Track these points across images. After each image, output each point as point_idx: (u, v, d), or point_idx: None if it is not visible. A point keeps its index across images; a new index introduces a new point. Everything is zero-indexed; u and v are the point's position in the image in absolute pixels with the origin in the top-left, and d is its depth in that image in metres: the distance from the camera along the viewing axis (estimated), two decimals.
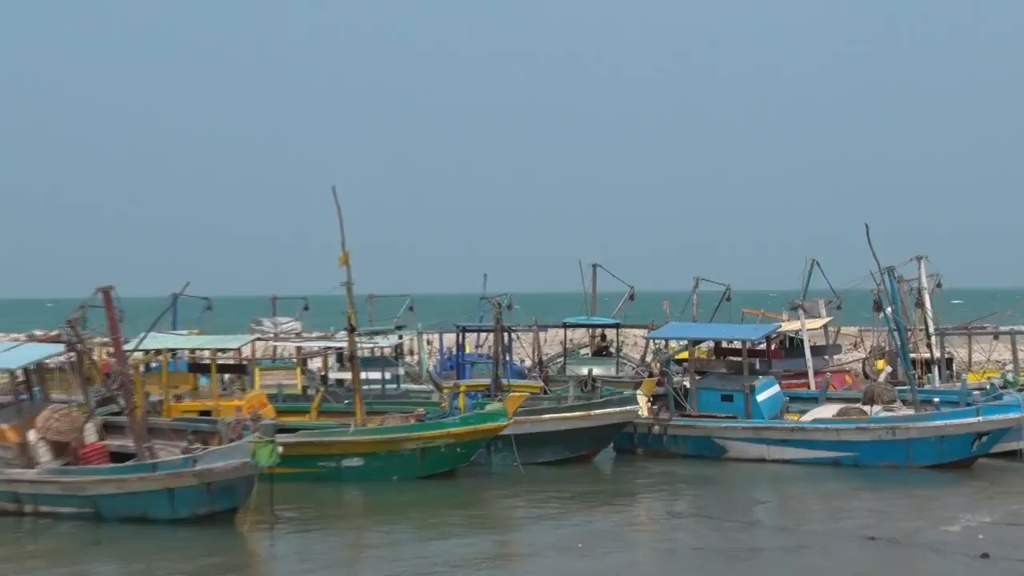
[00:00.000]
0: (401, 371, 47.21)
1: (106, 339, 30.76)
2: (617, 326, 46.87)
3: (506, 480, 33.79)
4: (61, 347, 31.69)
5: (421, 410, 36.59)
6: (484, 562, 25.01)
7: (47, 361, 32.37)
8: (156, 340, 38.02)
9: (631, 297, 45.97)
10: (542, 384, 41.73)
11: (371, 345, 43.36)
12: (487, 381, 39.97)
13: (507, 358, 42.97)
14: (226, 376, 40.67)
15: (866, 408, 36.40)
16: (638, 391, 38.20)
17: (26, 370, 31.43)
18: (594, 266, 48.59)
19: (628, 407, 36.88)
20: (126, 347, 31.10)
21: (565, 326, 49.77)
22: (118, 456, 29.18)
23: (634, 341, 45.87)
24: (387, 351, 47.32)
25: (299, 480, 31.01)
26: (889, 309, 39.09)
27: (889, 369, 40.86)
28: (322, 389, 41.12)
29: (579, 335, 48.22)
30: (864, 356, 44.72)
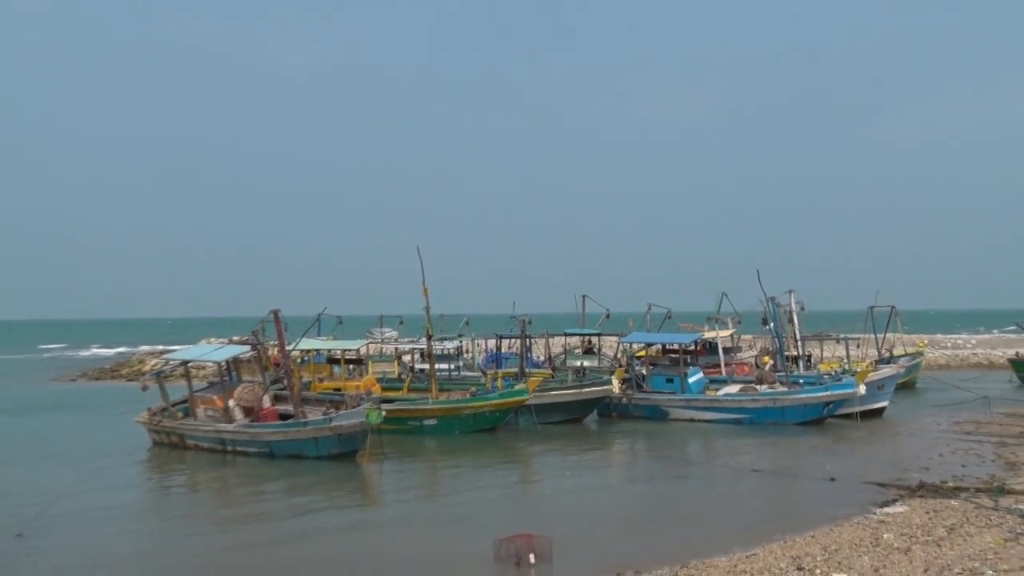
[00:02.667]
0: (460, 363, 48.28)
1: (275, 343, 32.42)
2: (599, 334, 47.91)
3: (527, 433, 34.93)
4: (248, 348, 33.96)
5: (473, 389, 37.93)
6: (513, 484, 26.88)
7: (240, 356, 33.59)
8: (307, 343, 40.13)
9: (607, 316, 46.94)
10: (550, 372, 42.69)
11: (441, 346, 44.19)
12: (515, 370, 41.05)
13: (528, 355, 43.75)
14: (350, 366, 41.81)
15: (757, 386, 38.11)
16: (612, 376, 39.02)
17: (227, 362, 33.05)
18: (583, 296, 49.86)
19: (606, 387, 38.14)
20: (288, 347, 33.07)
21: (565, 335, 50.93)
22: (283, 416, 30.47)
23: (609, 344, 47.26)
24: (451, 350, 48.87)
25: (395, 433, 32.03)
26: (771, 324, 40.54)
27: (771, 362, 42.20)
28: (410, 375, 42.16)
29: (574, 341, 49.55)
30: (755, 354, 45.97)
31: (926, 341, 72.03)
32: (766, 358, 43.99)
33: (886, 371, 40.80)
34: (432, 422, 34.24)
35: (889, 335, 51.62)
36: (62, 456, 30.95)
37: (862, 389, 36.19)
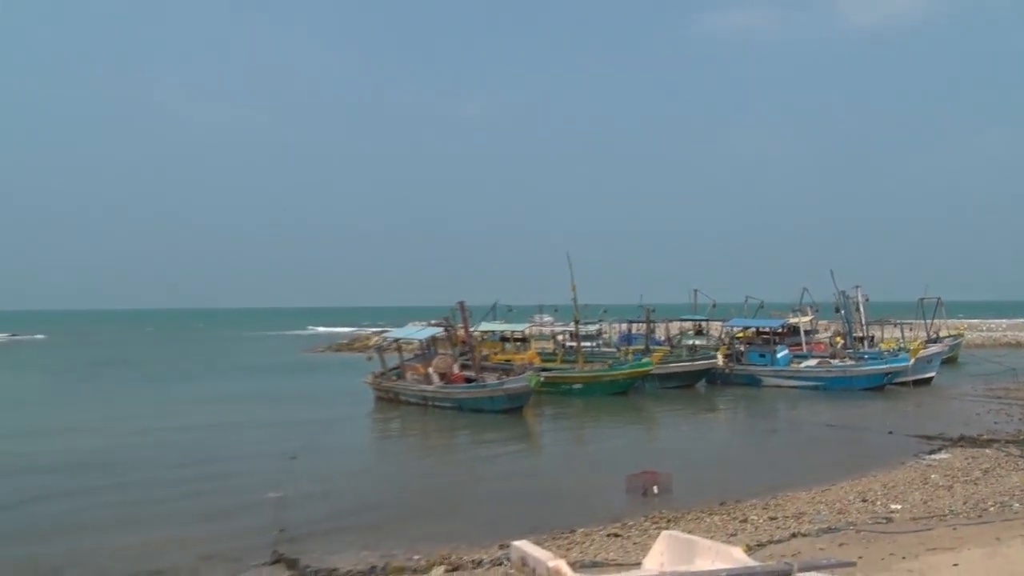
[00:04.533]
0: (600, 342, 48.25)
1: (462, 326, 33.24)
2: (707, 320, 47.59)
3: (651, 396, 34.51)
4: (442, 329, 35.11)
5: (610, 361, 37.67)
6: (640, 433, 27.34)
7: (437, 335, 34.27)
8: (485, 326, 41.26)
9: (714, 305, 46.52)
10: (669, 348, 42.20)
11: (585, 329, 43.90)
12: (642, 347, 40.92)
13: (652, 335, 43.62)
14: (517, 343, 42.65)
15: (831, 360, 37.37)
16: (718, 352, 38.97)
17: (428, 340, 34.23)
18: (695, 290, 49.54)
19: (712, 360, 37.94)
20: (471, 329, 33.71)
21: (681, 319, 50.90)
22: (468, 380, 30.69)
23: (715, 327, 46.88)
24: (593, 331, 49.16)
25: (550, 394, 32.25)
26: (842, 311, 40.57)
27: (842, 341, 41.41)
28: (562, 350, 42.40)
29: (687, 325, 49.21)
30: (829, 335, 45.07)
31: (966, 325, 69.69)
32: (838, 338, 42.97)
33: (934, 349, 39.83)
34: (579, 386, 34.04)
35: (936, 320, 50.16)
36: (317, 403, 33.15)
37: (912, 362, 35.65)
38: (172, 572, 11.04)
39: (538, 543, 6.80)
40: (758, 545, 10.83)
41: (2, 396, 37.11)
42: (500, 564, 10.35)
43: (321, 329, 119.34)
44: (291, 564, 11.32)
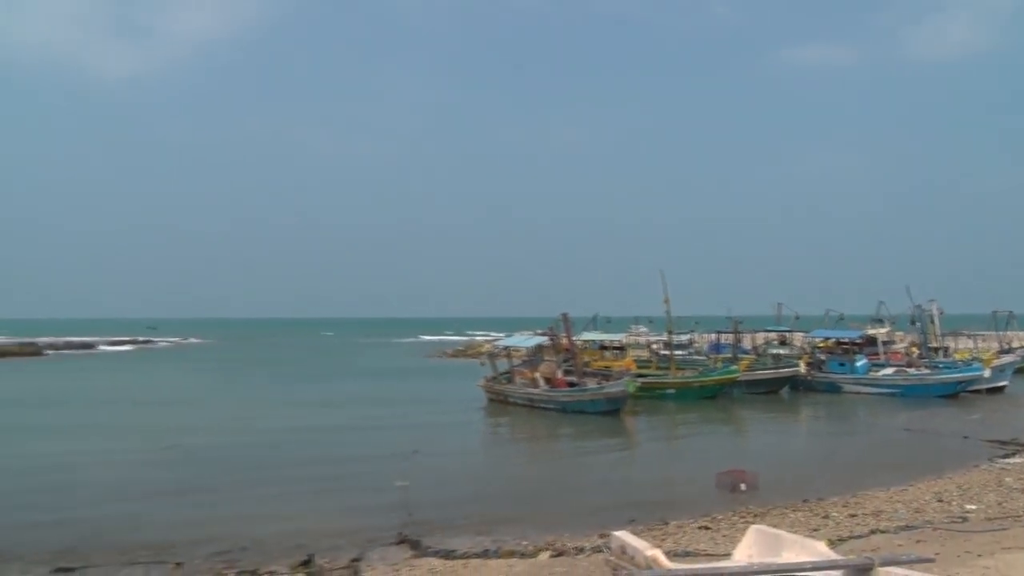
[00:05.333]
0: (691, 350, 47.22)
1: (565, 335, 33.30)
2: (790, 331, 46.40)
3: (739, 401, 33.74)
4: (547, 338, 35.11)
5: (701, 368, 37.39)
6: (728, 434, 27.02)
7: (542, 343, 33.72)
8: (586, 335, 41.10)
9: (796, 317, 45.42)
10: (755, 357, 41.39)
11: (678, 338, 43.27)
12: (730, 355, 39.86)
13: (739, 344, 42.56)
14: (614, 351, 41.73)
15: (908, 369, 36.09)
16: (800, 360, 38.03)
17: (534, 347, 34.07)
18: (779, 304, 48.54)
19: (795, 368, 36.95)
20: (573, 338, 33.56)
21: (766, 330, 49.68)
22: (570, 384, 30.38)
23: (798, 338, 45.62)
24: (684, 341, 48.37)
25: (646, 399, 31.39)
26: (918, 324, 39.22)
27: (918, 351, 39.88)
28: (656, 358, 41.87)
29: (772, 335, 48.06)
30: (906, 346, 43.34)
31: None
32: (914, 349, 41.27)
33: (1006, 359, 38.20)
34: (672, 391, 33.47)
35: (1008, 332, 47.58)
36: (436, 403, 33.59)
37: (987, 372, 34.21)
38: (314, 548, 11.41)
39: (635, 534, 6.81)
40: (839, 540, 10.56)
41: (169, 392, 38.91)
42: (600, 552, 10.34)
43: (427, 337, 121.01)
44: (414, 545, 11.60)
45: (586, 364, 34.83)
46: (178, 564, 10.72)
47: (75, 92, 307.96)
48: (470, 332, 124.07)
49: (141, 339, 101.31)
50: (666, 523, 12.77)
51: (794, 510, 13.59)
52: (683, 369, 37.07)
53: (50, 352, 73.48)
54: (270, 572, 10.39)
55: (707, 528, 12.29)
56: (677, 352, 40.29)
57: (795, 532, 8.52)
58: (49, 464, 18.82)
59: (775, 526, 9.08)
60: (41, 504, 14.66)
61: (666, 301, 35.02)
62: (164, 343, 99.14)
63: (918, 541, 10.39)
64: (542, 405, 30.36)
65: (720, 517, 13.09)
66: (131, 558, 10.99)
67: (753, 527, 6.69)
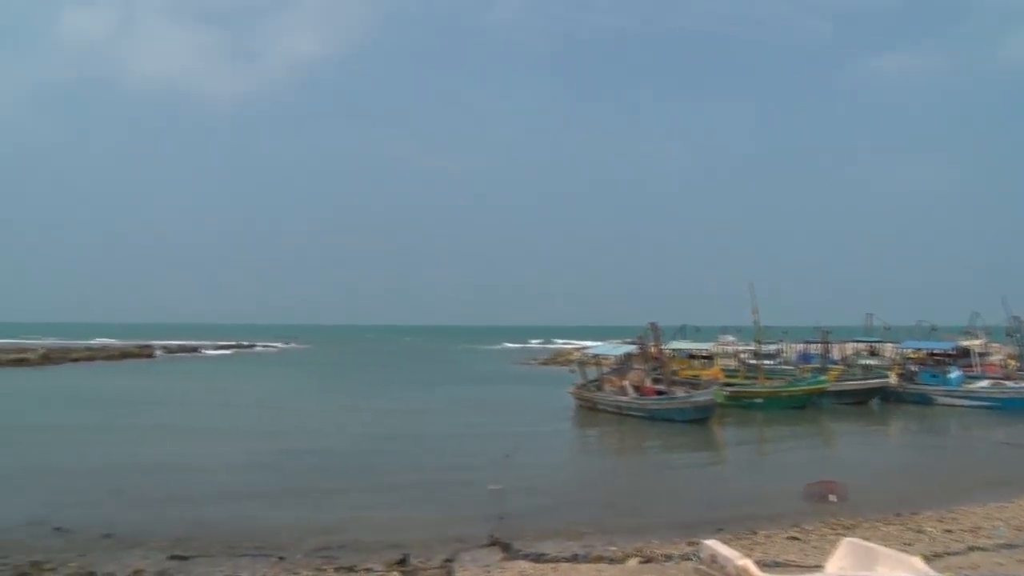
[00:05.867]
0: (779, 360, 46.31)
1: (654, 343, 33.00)
2: (880, 341, 44.83)
3: (828, 411, 32.37)
4: (635, 346, 34.86)
5: (789, 378, 36.44)
6: (816, 444, 26.06)
7: (631, 352, 33.84)
8: (675, 344, 40.58)
9: (887, 328, 43.82)
10: (844, 367, 39.72)
11: (766, 348, 42.27)
12: (818, 365, 39.11)
13: (828, 355, 41.53)
14: (703, 360, 41.45)
15: (1004, 381, 34.17)
16: (890, 371, 36.61)
17: (623, 355, 34.07)
18: (870, 314, 46.84)
19: (885, 379, 35.63)
20: (662, 347, 33.50)
21: (855, 341, 47.98)
22: (659, 392, 30.00)
23: (888, 348, 43.83)
24: (773, 351, 47.34)
25: (734, 408, 30.85)
26: (1016, 335, 37.02)
27: (1015, 363, 37.82)
28: (744, 368, 40.19)
29: (861, 346, 46.32)
30: (1002, 358, 41.18)
31: None
32: (1011, 361, 39.07)
33: None
34: (760, 401, 32.58)
35: None
36: (526, 409, 33.79)
37: None
38: (408, 546, 11.59)
39: (724, 542, 6.74)
40: (935, 556, 10.12)
41: (271, 395, 39.83)
42: (689, 559, 10.21)
43: (511, 345, 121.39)
44: (505, 547, 11.65)
45: (674, 373, 34.32)
46: (280, 558, 11.06)
47: (191, 113, 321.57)
48: (558, 340, 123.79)
49: (245, 343, 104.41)
50: (755, 533, 12.45)
51: (886, 523, 13.05)
52: (771, 379, 36.12)
53: (159, 354, 76.97)
54: (367, 569, 10.59)
55: (796, 539, 11.94)
56: (765, 362, 39.34)
57: (886, 546, 8.24)
58: (165, 462, 19.60)
59: (866, 539, 8.80)
60: (158, 497, 15.31)
61: (755, 311, 34.43)
62: (263, 348, 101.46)
63: (1020, 560, 9.90)
64: (630, 412, 30.04)
65: (810, 528, 12.70)
66: (237, 550, 11.39)
67: (846, 540, 6.54)
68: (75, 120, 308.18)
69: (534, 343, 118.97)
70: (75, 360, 64.22)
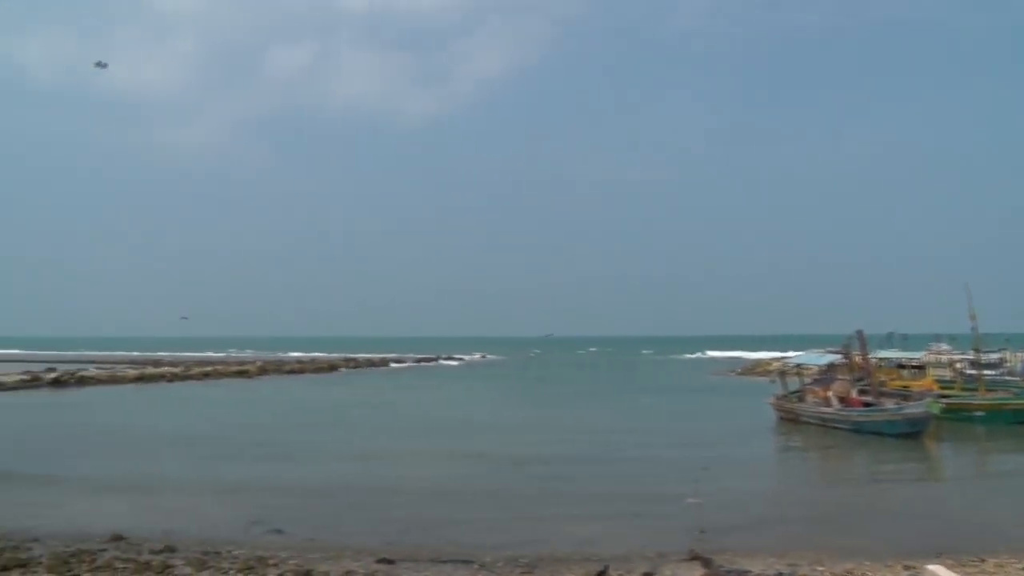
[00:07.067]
0: (1003, 370, 41.81)
1: (859, 353, 30.92)
2: None
3: None
4: (840, 356, 32.63)
5: (1015, 390, 32.19)
6: None
7: (835, 362, 32.18)
8: (883, 353, 37.73)
9: None
10: None
11: (986, 357, 38.31)
12: None
13: None
14: (913, 370, 38.26)
15: None
16: None
17: (827, 365, 32.35)
18: None
19: None
20: (869, 356, 31.31)
21: None
22: (865, 404, 28.05)
23: None
24: (995, 360, 42.61)
25: (949, 421, 27.46)
26: None
27: None
28: (961, 378, 37.29)
29: None
30: None
31: None
32: None
33: None
34: (980, 414, 29.03)
35: None
36: (724, 420, 32.60)
37: None
38: (607, 559, 11.27)
39: (948, 568, 5.92)
40: None
41: (469, 409, 39.77)
42: None
43: (713, 353, 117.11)
44: (706, 563, 11.06)
45: (882, 383, 31.86)
46: (482, 565, 11.12)
47: (383, 134, 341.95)
48: (753, 350, 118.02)
49: (431, 356, 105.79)
50: (982, 559, 10.92)
51: None
52: (993, 390, 32.13)
53: (343, 369, 78.83)
54: None
55: None
56: (986, 372, 35.22)
57: None
58: (374, 470, 20.39)
59: None
60: (368, 503, 15.94)
61: (972, 317, 30.94)
62: (445, 361, 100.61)
63: None
64: (835, 425, 27.96)
65: None
66: (441, 556, 11.53)
67: None
68: (278, 147, 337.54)
69: (732, 353, 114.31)
70: (289, 372, 70.07)
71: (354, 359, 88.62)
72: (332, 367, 77.71)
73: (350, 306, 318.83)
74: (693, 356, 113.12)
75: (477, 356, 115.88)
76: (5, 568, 10.63)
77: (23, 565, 10.80)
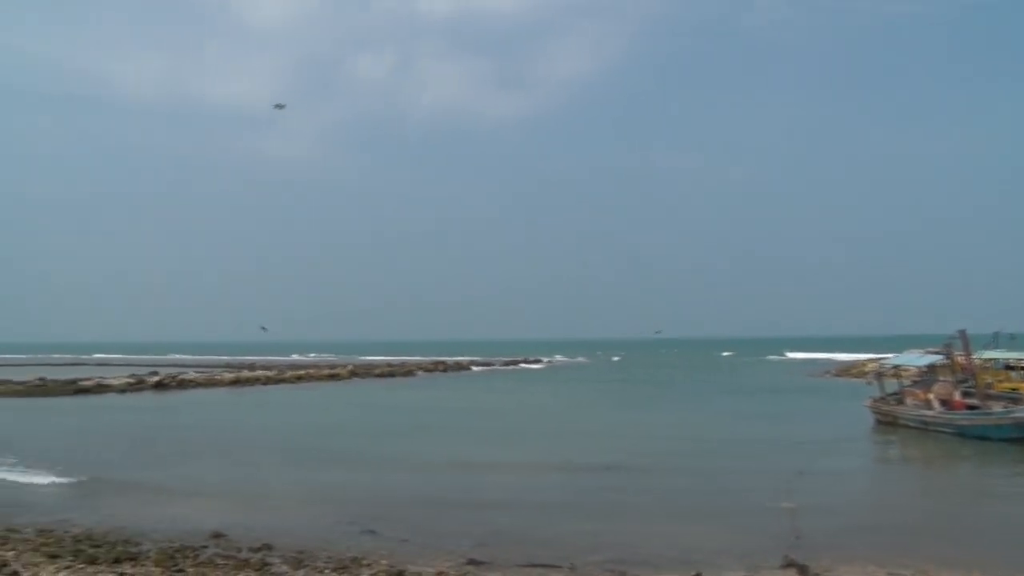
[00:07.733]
0: None
1: (962, 353, 29.32)
2: None
3: None
4: (941, 355, 30.99)
5: None
6: None
7: (936, 362, 30.17)
8: (988, 353, 35.68)
9: None
10: None
11: None
12: None
13: None
14: (1023, 372, 36.24)
15: None
16: None
17: (927, 366, 30.70)
18: None
19: None
20: (973, 356, 29.68)
21: None
22: (969, 407, 26.38)
23: None
24: None
25: None
26: None
27: None
28: None
29: None
30: None
31: None
32: None
33: None
34: None
35: None
36: (819, 422, 31.54)
37: None
38: (700, 563, 11.12)
39: None
40: None
41: (556, 411, 40.30)
42: None
43: (793, 355, 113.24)
44: (802, 570, 10.79)
45: (988, 386, 29.92)
46: (572, 567, 11.12)
47: (469, 137, 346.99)
48: (843, 351, 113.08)
49: (519, 359, 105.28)
50: None
51: None
52: None
53: (420, 373, 77.91)
54: None
55: None
56: None
57: None
58: (467, 473, 20.54)
59: None
60: (460, 505, 16.14)
61: None
62: (525, 364, 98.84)
63: None
64: (937, 428, 26.66)
65: None
66: (531, 558, 11.59)
67: None
68: (365, 152, 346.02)
69: (820, 355, 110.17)
70: (378, 375, 71.80)
71: (443, 362, 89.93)
72: (415, 371, 79.10)
73: (440, 307, 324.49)
74: (777, 358, 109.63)
75: (559, 358, 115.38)
76: (117, 560, 11.39)
77: (133, 558, 11.54)
